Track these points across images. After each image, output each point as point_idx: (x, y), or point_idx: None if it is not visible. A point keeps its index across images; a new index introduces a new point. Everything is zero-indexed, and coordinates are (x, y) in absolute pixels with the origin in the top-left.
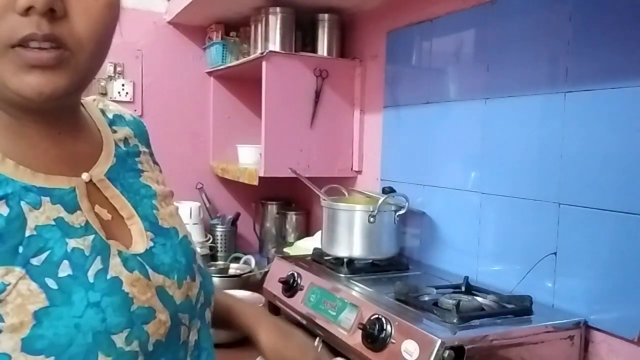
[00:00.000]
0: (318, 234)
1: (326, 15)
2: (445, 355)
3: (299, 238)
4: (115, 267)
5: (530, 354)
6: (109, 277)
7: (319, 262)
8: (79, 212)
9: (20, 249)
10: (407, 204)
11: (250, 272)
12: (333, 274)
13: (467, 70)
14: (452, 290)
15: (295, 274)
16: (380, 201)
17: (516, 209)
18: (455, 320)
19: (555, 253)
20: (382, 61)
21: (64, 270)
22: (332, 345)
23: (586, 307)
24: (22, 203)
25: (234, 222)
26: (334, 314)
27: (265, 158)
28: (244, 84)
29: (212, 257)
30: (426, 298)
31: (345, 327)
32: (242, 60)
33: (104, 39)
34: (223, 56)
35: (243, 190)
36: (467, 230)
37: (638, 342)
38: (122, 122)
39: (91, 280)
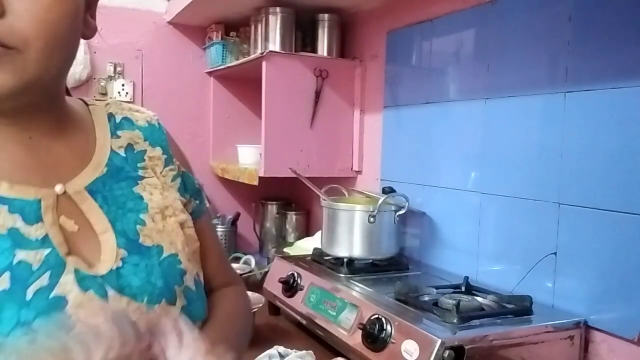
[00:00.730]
0: (318, 234)
1: (326, 15)
2: (445, 355)
3: (299, 238)
4: (65, 285)
5: (530, 354)
6: (51, 296)
7: (319, 262)
8: (39, 224)
9: None
10: (407, 204)
11: (250, 272)
12: (333, 274)
13: (467, 70)
14: (452, 290)
15: (295, 274)
16: (380, 201)
17: (516, 209)
18: (455, 320)
19: (555, 253)
20: (382, 61)
21: (1, 283)
22: (332, 345)
23: (586, 307)
24: None
25: (234, 222)
26: (334, 314)
27: (265, 158)
28: (244, 84)
29: None
30: (426, 298)
31: (345, 327)
32: (242, 60)
33: (55, 36)
34: (223, 56)
35: (243, 190)
36: (467, 230)
37: (638, 342)
38: (131, 125)
39: (29, 297)
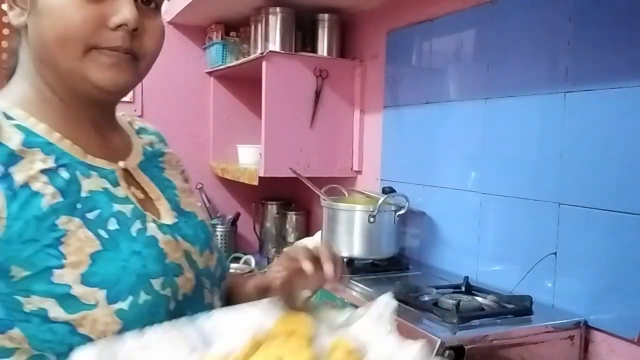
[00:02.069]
0: (318, 234)
1: (326, 15)
2: (445, 355)
3: (299, 238)
4: (152, 229)
5: (530, 354)
6: (147, 235)
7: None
8: (120, 187)
9: (78, 205)
10: (407, 204)
11: (250, 272)
12: None
13: (467, 70)
14: (452, 290)
15: None
16: (380, 201)
17: (516, 209)
18: (455, 320)
19: (555, 253)
20: (382, 61)
21: (112, 224)
22: None
23: (586, 307)
24: (77, 172)
25: (234, 222)
26: None
27: (265, 158)
28: (244, 84)
29: None
30: (426, 298)
31: None
32: (242, 60)
33: (158, 52)
34: (223, 56)
35: (243, 190)
36: (467, 230)
37: (638, 342)
38: (146, 132)
39: (134, 234)
